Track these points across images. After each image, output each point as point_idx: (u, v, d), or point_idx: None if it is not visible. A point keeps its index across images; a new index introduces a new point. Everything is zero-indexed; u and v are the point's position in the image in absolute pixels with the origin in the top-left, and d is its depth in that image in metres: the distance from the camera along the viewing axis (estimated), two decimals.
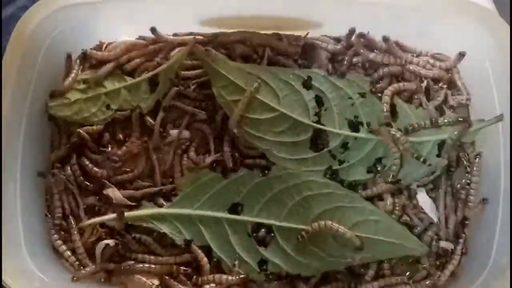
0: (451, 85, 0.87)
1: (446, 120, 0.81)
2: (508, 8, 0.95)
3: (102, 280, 0.81)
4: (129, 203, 0.82)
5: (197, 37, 0.88)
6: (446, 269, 0.79)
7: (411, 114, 0.83)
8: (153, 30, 0.88)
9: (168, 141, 0.85)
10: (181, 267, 0.80)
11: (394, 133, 0.79)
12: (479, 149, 0.84)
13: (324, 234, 0.76)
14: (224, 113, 0.83)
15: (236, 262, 0.78)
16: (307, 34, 0.89)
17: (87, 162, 0.85)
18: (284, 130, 0.81)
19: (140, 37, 0.90)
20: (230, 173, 0.80)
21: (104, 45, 0.90)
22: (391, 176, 0.80)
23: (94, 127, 0.85)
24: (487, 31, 0.80)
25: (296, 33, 0.89)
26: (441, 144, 0.81)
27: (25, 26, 0.80)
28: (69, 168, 0.85)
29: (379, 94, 0.84)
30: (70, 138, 0.86)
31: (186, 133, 0.86)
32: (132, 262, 0.80)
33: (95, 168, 0.84)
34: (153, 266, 0.79)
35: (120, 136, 0.87)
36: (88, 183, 0.85)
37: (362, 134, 0.81)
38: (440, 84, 0.87)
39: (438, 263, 0.80)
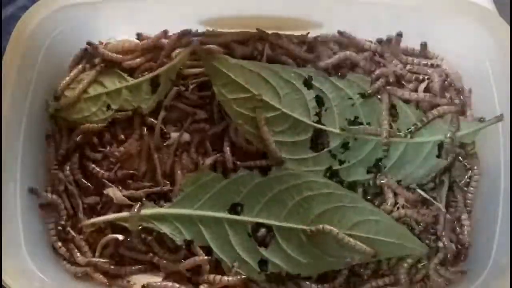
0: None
1: (436, 112, 0.82)
2: (508, 8, 0.95)
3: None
4: (130, 202, 0.82)
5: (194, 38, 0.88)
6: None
7: (411, 115, 0.83)
8: (138, 35, 0.88)
9: (168, 143, 0.85)
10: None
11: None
12: (479, 149, 0.84)
13: (324, 235, 0.76)
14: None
15: (236, 263, 0.78)
16: (308, 34, 0.89)
17: (89, 162, 0.85)
18: (284, 130, 0.81)
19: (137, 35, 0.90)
20: (230, 173, 0.80)
21: (103, 45, 0.90)
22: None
23: (95, 125, 0.85)
24: (487, 31, 0.80)
25: (296, 33, 0.89)
26: (441, 145, 0.81)
27: (25, 26, 0.80)
28: (68, 168, 0.85)
29: (378, 97, 0.84)
30: (71, 138, 0.86)
31: (186, 136, 0.86)
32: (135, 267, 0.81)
33: (96, 168, 0.84)
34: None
35: (122, 136, 0.87)
36: (88, 183, 0.85)
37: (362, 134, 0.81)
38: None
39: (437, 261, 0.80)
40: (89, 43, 0.88)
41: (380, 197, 0.81)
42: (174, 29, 0.89)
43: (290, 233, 0.77)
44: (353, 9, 0.86)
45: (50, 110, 0.85)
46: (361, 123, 0.81)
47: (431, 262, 0.79)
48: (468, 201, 0.82)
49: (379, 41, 0.88)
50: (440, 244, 0.79)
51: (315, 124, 0.81)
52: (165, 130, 0.86)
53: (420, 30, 0.87)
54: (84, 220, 0.82)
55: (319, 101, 0.82)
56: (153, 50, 0.89)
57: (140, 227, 0.80)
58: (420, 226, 0.80)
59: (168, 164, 0.85)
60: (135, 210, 0.79)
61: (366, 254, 0.75)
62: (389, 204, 0.79)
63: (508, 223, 0.75)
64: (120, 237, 0.81)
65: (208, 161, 0.83)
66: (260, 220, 0.78)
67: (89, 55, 0.89)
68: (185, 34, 0.87)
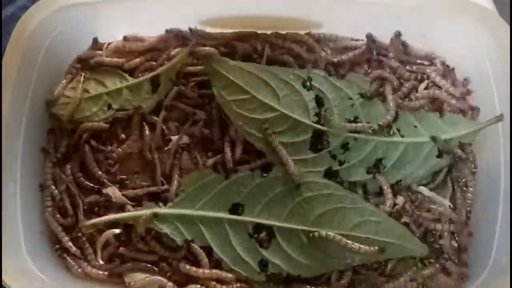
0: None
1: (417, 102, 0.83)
2: (508, 8, 0.95)
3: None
4: (129, 202, 0.82)
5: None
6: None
7: (411, 115, 0.83)
8: (124, 38, 0.88)
9: (168, 147, 0.85)
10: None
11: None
12: (479, 149, 0.84)
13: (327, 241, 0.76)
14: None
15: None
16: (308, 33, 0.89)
17: (89, 161, 0.85)
18: (284, 131, 0.81)
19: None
20: (231, 173, 0.80)
21: (105, 45, 0.90)
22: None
23: (96, 124, 0.85)
24: (487, 31, 0.80)
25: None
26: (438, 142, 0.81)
27: (25, 26, 0.80)
28: (68, 168, 0.85)
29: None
30: (71, 137, 0.86)
31: (185, 139, 0.86)
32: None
33: (95, 168, 0.84)
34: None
35: (123, 136, 0.87)
36: (88, 183, 0.85)
37: (362, 134, 0.81)
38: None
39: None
40: (95, 39, 0.88)
41: (380, 197, 0.81)
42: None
43: (290, 233, 0.77)
44: (353, 9, 0.86)
45: (51, 110, 0.85)
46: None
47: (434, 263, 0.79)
48: (468, 201, 0.82)
49: (372, 40, 0.88)
50: (442, 242, 0.80)
51: (315, 125, 0.81)
52: (166, 131, 0.86)
53: (420, 30, 0.87)
54: (84, 220, 0.82)
55: (319, 101, 0.82)
56: (154, 50, 0.89)
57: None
58: (421, 228, 0.80)
59: (168, 164, 0.84)
60: (147, 214, 0.79)
61: (371, 255, 0.75)
62: (388, 205, 0.79)
63: (508, 223, 0.75)
64: (117, 231, 0.81)
65: (210, 161, 0.83)
66: (261, 221, 0.78)
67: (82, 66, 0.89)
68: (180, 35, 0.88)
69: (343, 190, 0.79)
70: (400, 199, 0.80)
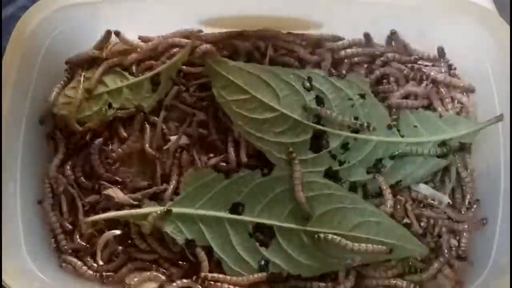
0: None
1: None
2: (508, 8, 0.95)
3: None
4: (133, 202, 0.81)
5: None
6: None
7: (411, 115, 0.83)
8: (117, 34, 0.87)
9: (167, 147, 0.85)
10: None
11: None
12: (479, 149, 0.84)
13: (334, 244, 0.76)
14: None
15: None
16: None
17: (94, 161, 0.85)
18: (284, 131, 0.81)
19: (140, 38, 0.90)
20: (232, 173, 0.80)
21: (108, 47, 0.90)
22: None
23: (95, 123, 0.85)
24: (487, 31, 0.80)
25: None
26: (441, 144, 0.81)
27: (25, 26, 0.80)
28: (68, 168, 0.85)
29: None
30: (71, 137, 0.86)
31: (184, 139, 0.85)
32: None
33: (100, 167, 0.85)
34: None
35: (125, 134, 0.87)
36: (88, 183, 0.85)
37: (362, 135, 0.81)
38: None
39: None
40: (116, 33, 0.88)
41: (381, 198, 0.81)
42: (174, 29, 0.89)
43: (291, 233, 0.77)
44: (353, 9, 0.86)
45: (52, 110, 0.85)
46: (361, 124, 0.81)
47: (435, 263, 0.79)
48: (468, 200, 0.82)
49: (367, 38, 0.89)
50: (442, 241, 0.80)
51: (315, 125, 0.81)
52: (165, 130, 0.86)
53: (420, 30, 0.87)
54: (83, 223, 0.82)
55: (319, 101, 0.82)
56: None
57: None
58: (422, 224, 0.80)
59: (168, 164, 0.84)
60: (158, 212, 0.78)
61: (379, 254, 0.75)
62: (388, 206, 0.79)
63: (508, 223, 0.75)
64: (117, 232, 0.81)
65: (212, 161, 0.83)
66: (261, 220, 0.78)
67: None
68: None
69: (343, 190, 0.78)
70: (400, 200, 0.80)
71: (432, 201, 0.81)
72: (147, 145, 0.85)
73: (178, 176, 0.83)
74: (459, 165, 0.83)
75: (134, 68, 0.89)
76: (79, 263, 0.81)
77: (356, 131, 0.81)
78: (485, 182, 0.82)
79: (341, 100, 0.82)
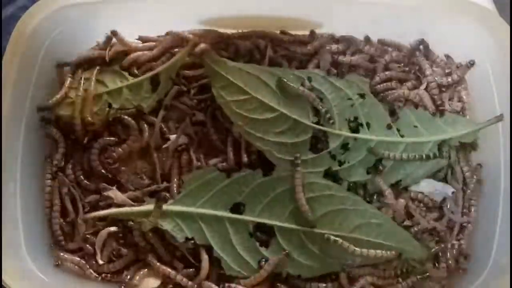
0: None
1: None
2: (508, 8, 0.95)
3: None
4: (132, 203, 0.81)
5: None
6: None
7: (411, 115, 0.83)
8: (114, 33, 0.87)
9: (166, 146, 0.85)
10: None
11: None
12: (479, 149, 0.84)
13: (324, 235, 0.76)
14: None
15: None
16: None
17: (93, 159, 0.85)
18: (283, 131, 0.81)
19: (140, 38, 0.90)
20: (233, 172, 0.80)
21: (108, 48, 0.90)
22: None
23: (95, 123, 0.86)
24: (487, 31, 0.80)
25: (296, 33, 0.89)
26: (441, 144, 0.81)
27: (25, 26, 0.80)
28: (69, 167, 0.85)
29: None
30: (71, 137, 0.86)
31: (183, 139, 0.85)
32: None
33: (99, 168, 0.85)
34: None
35: (124, 135, 0.87)
36: (89, 183, 0.85)
37: (362, 135, 0.81)
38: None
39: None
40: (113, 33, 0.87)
41: (381, 198, 0.81)
42: (174, 29, 0.89)
43: (291, 233, 0.77)
44: (353, 9, 0.86)
45: (57, 111, 0.85)
46: (361, 124, 0.81)
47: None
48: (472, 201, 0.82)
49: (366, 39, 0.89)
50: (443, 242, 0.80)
51: (315, 125, 0.81)
52: (165, 130, 0.86)
53: (420, 30, 0.87)
54: (83, 225, 0.82)
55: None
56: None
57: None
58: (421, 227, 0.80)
59: (167, 164, 0.85)
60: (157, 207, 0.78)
61: (387, 258, 0.75)
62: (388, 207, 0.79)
63: (508, 223, 0.75)
64: (113, 228, 0.81)
65: (212, 161, 0.83)
66: (262, 220, 0.78)
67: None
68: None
69: (344, 191, 0.78)
70: (401, 201, 0.80)
71: (431, 200, 0.81)
72: (151, 144, 0.85)
73: (178, 175, 0.83)
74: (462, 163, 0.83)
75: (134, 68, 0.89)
76: (81, 261, 0.81)
77: (356, 130, 0.81)
78: (485, 182, 0.82)
79: (341, 100, 0.82)
